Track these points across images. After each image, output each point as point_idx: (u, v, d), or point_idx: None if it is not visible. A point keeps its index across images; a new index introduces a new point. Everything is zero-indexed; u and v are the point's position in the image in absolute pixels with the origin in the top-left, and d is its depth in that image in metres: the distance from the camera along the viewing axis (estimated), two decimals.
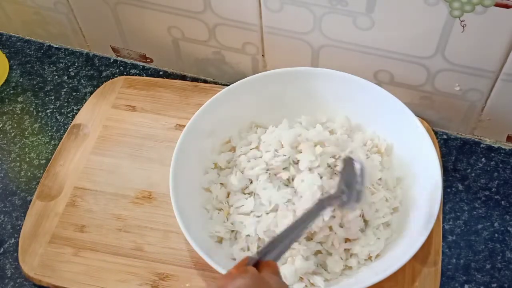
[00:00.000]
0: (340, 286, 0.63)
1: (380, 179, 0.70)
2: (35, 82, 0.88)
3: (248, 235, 0.66)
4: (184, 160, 0.70)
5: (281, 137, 0.70)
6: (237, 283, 0.46)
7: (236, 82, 0.75)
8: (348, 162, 0.63)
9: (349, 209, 0.63)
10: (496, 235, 0.70)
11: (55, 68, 0.90)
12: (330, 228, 0.65)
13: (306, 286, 0.64)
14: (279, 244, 0.54)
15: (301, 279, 0.64)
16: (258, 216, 0.67)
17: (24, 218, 0.73)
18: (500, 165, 0.76)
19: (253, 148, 0.73)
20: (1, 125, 0.84)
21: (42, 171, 0.78)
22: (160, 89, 0.84)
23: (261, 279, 0.48)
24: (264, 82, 0.75)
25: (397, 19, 0.68)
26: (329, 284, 0.64)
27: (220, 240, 0.68)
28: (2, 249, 0.72)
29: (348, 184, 0.62)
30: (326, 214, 0.63)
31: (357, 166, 0.62)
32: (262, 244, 0.66)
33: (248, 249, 0.66)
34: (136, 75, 0.88)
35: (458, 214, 0.72)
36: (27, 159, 0.80)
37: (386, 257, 0.65)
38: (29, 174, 0.78)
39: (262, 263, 0.51)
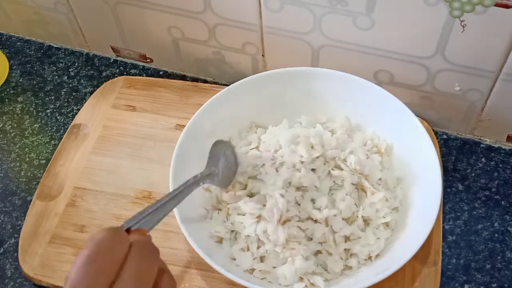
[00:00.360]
0: (340, 286, 0.63)
1: (380, 179, 0.70)
2: (35, 82, 0.88)
3: (247, 236, 0.66)
4: (184, 160, 0.70)
5: (280, 137, 0.70)
6: (96, 237, 0.45)
7: (236, 82, 0.75)
8: (218, 144, 0.67)
9: (218, 185, 0.67)
10: (496, 235, 0.70)
11: (55, 68, 0.90)
12: (327, 222, 0.65)
13: (306, 286, 0.64)
14: (148, 216, 0.54)
15: (301, 279, 0.64)
16: (257, 217, 0.67)
17: (24, 218, 0.73)
18: (500, 165, 0.76)
19: (253, 148, 0.73)
20: (1, 125, 0.84)
21: (42, 171, 0.78)
22: (160, 89, 0.84)
23: (118, 230, 0.47)
24: (264, 82, 0.75)
25: (397, 19, 0.68)
26: (329, 284, 0.64)
27: (220, 240, 0.68)
28: (2, 249, 0.72)
29: (216, 164, 0.66)
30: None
31: (227, 149, 0.66)
32: (261, 244, 0.66)
33: (248, 249, 0.66)
34: (136, 75, 0.88)
35: (458, 214, 0.72)
36: (27, 159, 0.80)
37: (386, 257, 0.65)
38: (29, 174, 0.78)
39: (132, 231, 0.51)
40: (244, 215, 0.68)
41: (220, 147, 0.68)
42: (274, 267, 0.65)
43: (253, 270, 0.65)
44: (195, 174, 0.71)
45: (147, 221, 0.53)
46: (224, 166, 0.67)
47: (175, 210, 0.65)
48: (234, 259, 0.66)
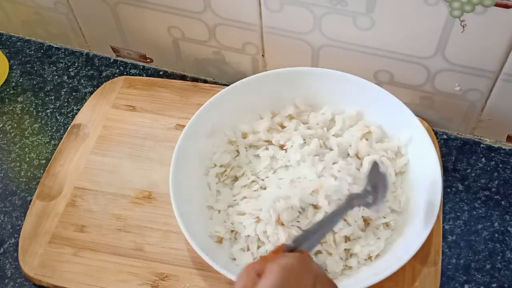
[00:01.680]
0: (340, 286, 0.63)
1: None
2: (35, 82, 0.88)
3: (247, 235, 0.66)
4: (184, 160, 0.70)
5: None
6: (283, 261, 0.44)
7: (236, 82, 0.75)
8: (375, 166, 0.63)
9: (374, 210, 0.63)
10: (496, 235, 0.70)
11: (55, 68, 0.90)
12: None
13: None
14: (311, 236, 0.55)
15: None
16: (257, 217, 0.67)
17: (24, 218, 0.73)
18: (500, 165, 0.76)
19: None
20: (1, 125, 0.84)
21: (42, 171, 0.78)
22: (160, 89, 0.84)
23: (305, 259, 0.47)
24: (264, 82, 0.75)
25: (397, 19, 0.68)
26: None
27: (220, 240, 0.68)
28: (2, 249, 0.72)
29: (374, 186, 0.62)
30: (354, 212, 0.65)
31: (382, 171, 0.62)
32: (261, 244, 0.66)
33: (248, 249, 0.66)
34: (136, 75, 0.88)
35: (458, 214, 0.72)
36: (27, 159, 0.80)
37: (386, 257, 0.65)
38: (29, 174, 0.78)
39: (296, 251, 0.51)
40: (243, 215, 0.68)
41: (376, 169, 0.63)
42: None
43: None
44: (194, 173, 0.71)
45: (308, 242, 0.53)
46: (380, 191, 0.62)
47: (175, 210, 0.65)
48: (234, 259, 0.66)
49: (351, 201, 0.62)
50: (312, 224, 0.57)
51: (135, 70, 0.89)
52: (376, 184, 0.62)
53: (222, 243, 0.67)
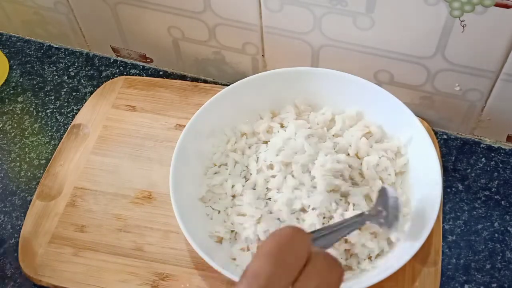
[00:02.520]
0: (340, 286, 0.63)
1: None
2: (35, 82, 0.88)
3: (247, 237, 0.66)
4: (184, 160, 0.70)
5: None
6: (277, 232, 0.43)
7: (236, 82, 0.75)
8: (383, 191, 0.63)
9: (385, 230, 0.63)
10: (496, 235, 0.70)
11: (55, 68, 0.90)
12: None
13: None
14: (327, 234, 0.57)
15: None
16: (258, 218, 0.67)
17: (24, 218, 0.73)
18: (500, 165, 0.76)
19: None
20: (1, 125, 0.84)
21: (42, 171, 0.78)
22: (160, 89, 0.84)
23: (302, 230, 0.45)
24: (264, 82, 0.75)
25: (397, 19, 0.68)
26: None
27: (220, 240, 0.68)
28: (2, 249, 0.72)
29: (385, 208, 0.62)
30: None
31: (391, 195, 0.62)
32: None
33: (248, 249, 0.66)
34: (136, 75, 0.88)
35: (458, 214, 0.72)
36: (27, 159, 0.80)
37: (386, 257, 0.65)
38: (29, 174, 0.78)
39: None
40: (244, 215, 0.68)
41: (384, 194, 0.62)
42: None
43: None
44: (194, 173, 0.71)
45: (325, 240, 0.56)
46: (390, 210, 0.61)
47: (175, 210, 0.65)
48: (234, 259, 0.66)
49: (362, 216, 0.61)
50: (328, 225, 0.58)
51: (135, 70, 0.89)
52: (387, 207, 0.61)
53: (222, 243, 0.67)
